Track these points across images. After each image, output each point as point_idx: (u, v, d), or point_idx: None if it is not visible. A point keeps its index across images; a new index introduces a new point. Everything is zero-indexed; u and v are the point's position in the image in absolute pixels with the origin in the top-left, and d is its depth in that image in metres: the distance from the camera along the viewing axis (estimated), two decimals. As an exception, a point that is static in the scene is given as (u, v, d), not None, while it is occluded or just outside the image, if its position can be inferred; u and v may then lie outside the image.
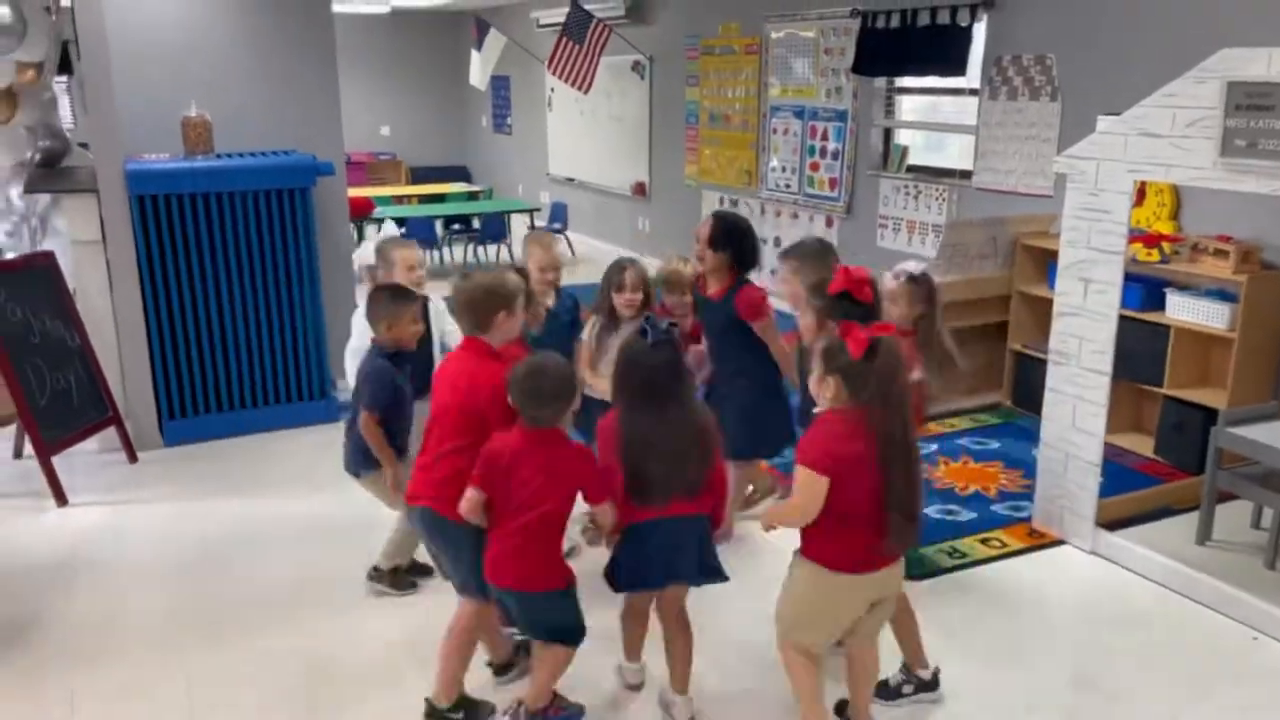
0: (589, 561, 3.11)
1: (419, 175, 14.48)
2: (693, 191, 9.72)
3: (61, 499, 4.67)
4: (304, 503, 4.56)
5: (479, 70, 11.24)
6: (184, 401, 5.36)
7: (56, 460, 4.73)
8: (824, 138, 7.93)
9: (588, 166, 11.71)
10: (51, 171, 5.83)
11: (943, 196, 6.93)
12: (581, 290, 4.52)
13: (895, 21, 6.92)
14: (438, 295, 4.07)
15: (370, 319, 3.60)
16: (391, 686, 3.24)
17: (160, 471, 5.05)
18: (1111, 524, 4.20)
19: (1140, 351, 4.85)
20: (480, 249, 10.72)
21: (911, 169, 7.40)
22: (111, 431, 5.17)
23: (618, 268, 4.06)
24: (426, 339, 3.98)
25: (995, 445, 5.33)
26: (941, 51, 6.60)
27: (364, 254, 4.39)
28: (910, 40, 6.83)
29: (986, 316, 5.74)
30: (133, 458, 5.17)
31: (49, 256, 5.21)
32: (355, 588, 3.84)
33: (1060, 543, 4.22)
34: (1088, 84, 5.75)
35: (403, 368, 3.61)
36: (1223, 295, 4.72)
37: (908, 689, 3.16)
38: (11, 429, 5.12)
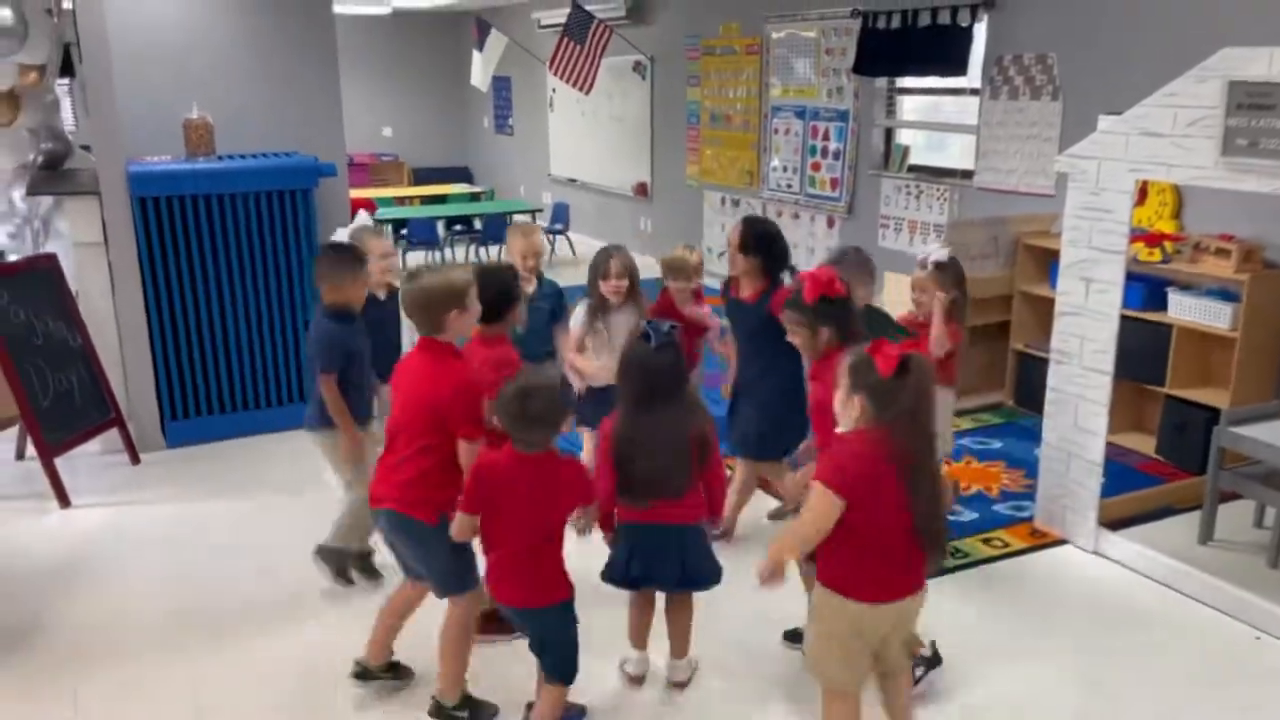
0: (591, 558, 3.10)
1: (421, 176, 14.49)
2: (694, 192, 9.72)
3: (64, 500, 4.68)
4: (307, 504, 4.56)
5: (480, 71, 11.25)
6: (186, 403, 5.36)
7: (59, 462, 4.74)
8: (825, 138, 7.93)
9: (589, 167, 11.71)
10: (54, 174, 5.85)
11: (944, 196, 6.93)
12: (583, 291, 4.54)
13: (896, 21, 6.92)
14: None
15: (318, 281, 3.67)
16: (395, 687, 3.24)
17: (162, 473, 5.05)
18: (1113, 524, 4.19)
19: (1142, 351, 4.85)
20: (482, 250, 10.73)
21: (913, 169, 7.40)
22: (114, 433, 5.18)
23: (604, 255, 4.26)
24: (396, 327, 4.20)
25: (997, 445, 5.32)
26: (942, 51, 6.60)
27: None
28: (911, 40, 6.83)
29: (988, 316, 5.74)
30: (135, 459, 5.17)
31: (51, 258, 5.22)
32: (358, 588, 3.84)
33: (1062, 542, 4.22)
34: (1089, 83, 5.75)
35: (353, 326, 3.65)
36: (1224, 295, 4.72)
37: (919, 670, 3.12)
38: (14, 430, 5.12)
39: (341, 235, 4.37)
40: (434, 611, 3.08)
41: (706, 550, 3.10)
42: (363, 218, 4.53)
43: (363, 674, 3.20)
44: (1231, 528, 4.21)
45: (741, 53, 8.78)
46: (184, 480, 4.96)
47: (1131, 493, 4.51)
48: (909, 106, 7.57)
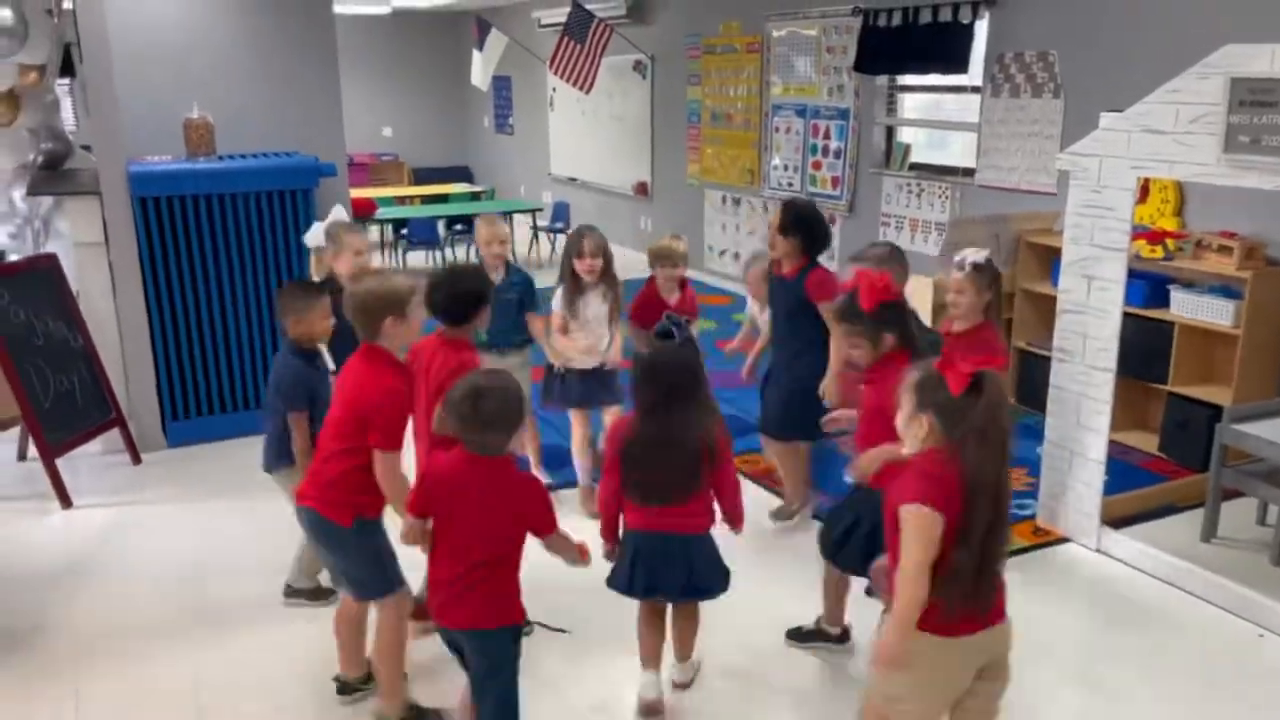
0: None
1: (421, 176, 14.49)
2: (695, 191, 9.71)
3: (65, 501, 4.67)
4: (308, 504, 4.56)
5: (480, 70, 11.24)
6: (187, 403, 5.36)
7: (60, 462, 4.73)
8: (826, 136, 7.92)
9: (590, 166, 11.71)
10: (54, 174, 5.84)
11: (945, 194, 6.92)
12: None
13: (897, 19, 6.91)
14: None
15: (279, 314, 3.57)
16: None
17: (164, 473, 5.05)
18: (1116, 521, 4.19)
19: (1144, 348, 4.84)
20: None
21: (914, 167, 7.39)
22: (115, 433, 5.18)
23: (577, 235, 4.39)
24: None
25: (999, 443, 5.31)
26: (943, 49, 6.59)
27: (314, 237, 4.41)
28: (912, 38, 6.82)
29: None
30: (136, 459, 5.17)
31: (52, 259, 5.22)
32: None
33: (1065, 540, 4.21)
34: (1090, 80, 5.74)
35: (315, 363, 3.56)
36: (1227, 292, 4.71)
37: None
38: (15, 431, 5.12)
39: (317, 230, 4.37)
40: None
41: (714, 558, 3.02)
42: (337, 212, 4.48)
43: (343, 688, 3.17)
44: (1234, 525, 4.20)
45: (742, 51, 8.77)
46: (185, 480, 4.96)
47: (1134, 491, 4.50)
48: (910, 104, 7.57)
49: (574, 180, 12.08)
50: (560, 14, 9.89)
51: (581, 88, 9.61)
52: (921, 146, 7.47)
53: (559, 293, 4.42)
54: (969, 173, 6.74)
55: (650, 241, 4.78)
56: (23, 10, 5.44)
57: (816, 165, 8.07)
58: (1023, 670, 3.33)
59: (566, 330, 4.39)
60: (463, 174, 14.88)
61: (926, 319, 5.13)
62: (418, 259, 10.45)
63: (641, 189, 10.63)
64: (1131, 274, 4.05)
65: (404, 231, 10.32)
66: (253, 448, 5.32)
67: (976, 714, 2.43)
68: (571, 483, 4.68)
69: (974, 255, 3.73)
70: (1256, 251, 4.71)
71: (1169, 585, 3.86)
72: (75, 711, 3.19)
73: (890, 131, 7.59)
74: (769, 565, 3.95)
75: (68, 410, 4.91)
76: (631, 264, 9.46)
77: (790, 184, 8.38)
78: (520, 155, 13.61)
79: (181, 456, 5.25)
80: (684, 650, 3.20)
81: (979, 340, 3.67)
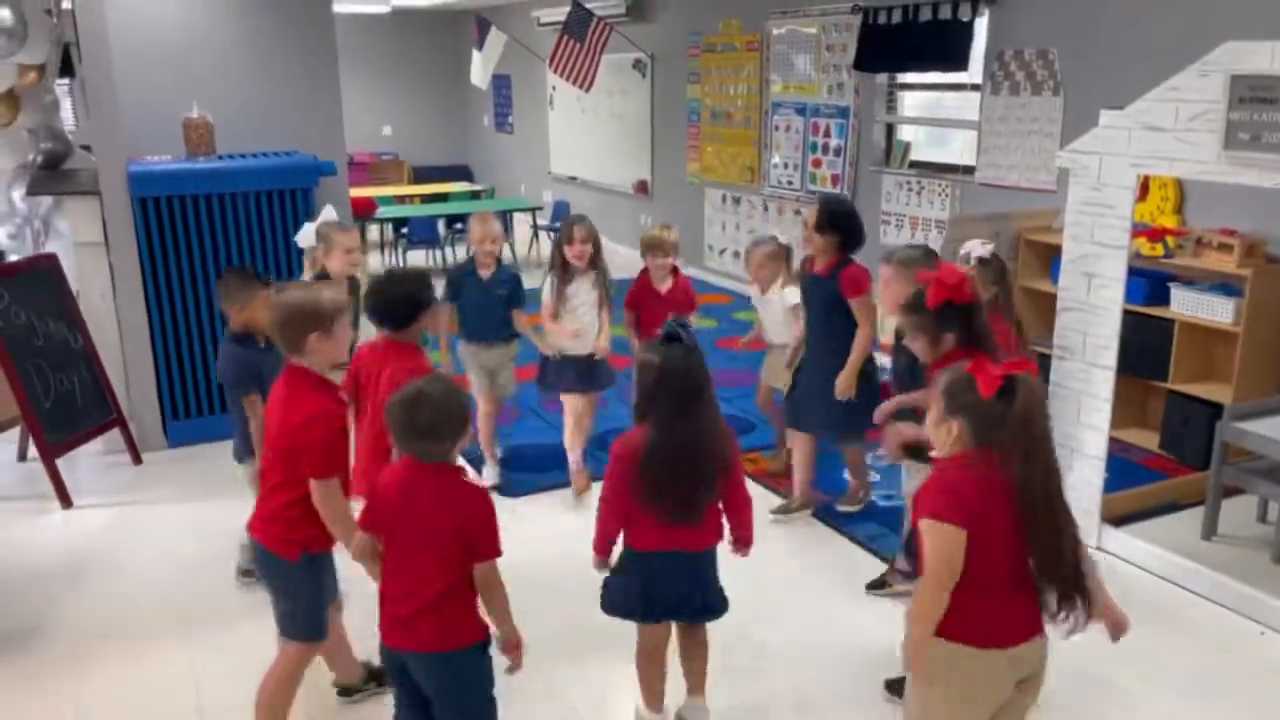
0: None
1: (421, 175, 14.48)
2: (695, 189, 9.71)
3: (66, 501, 4.68)
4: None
5: (480, 69, 11.23)
6: (188, 402, 5.36)
7: (61, 462, 4.74)
8: (826, 134, 7.92)
9: (590, 165, 11.70)
10: (54, 174, 5.84)
11: (945, 192, 6.92)
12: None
13: (897, 17, 6.91)
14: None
15: (221, 303, 3.63)
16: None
17: (164, 473, 5.05)
18: (1117, 519, 4.19)
19: (1144, 346, 4.84)
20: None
21: (914, 165, 7.38)
22: (115, 433, 5.18)
23: (567, 223, 4.53)
24: (355, 320, 4.24)
25: (1000, 441, 5.30)
26: (943, 47, 6.58)
27: (305, 236, 4.46)
28: (912, 36, 6.81)
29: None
30: (137, 459, 5.17)
31: (52, 259, 5.22)
32: (360, 587, 3.83)
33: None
34: (1090, 78, 5.74)
35: (261, 352, 3.57)
36: (1227, 289, 4.71)
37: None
38: (16, 431, 5.12)
39: (308, 229, 4.43)
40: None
41: (716, 576, 2.86)
42: (328, 211, 4.55)
43: (345, 691, 3.17)
44: (1235, 523, 4.20)
45: (742, 49, 8.76)
46: (186, 480, 4.96)
47: (1134, 488, 4.50)
48: (910, 102, 7.56)
49: (574, 179, 12.08)
50: (560, 12, 9.88)
51: (581, 86, 9.61)
52: (921, 144, 7.47)
53: (549, 280, 4.54)
54: (969, 170, 6.73)
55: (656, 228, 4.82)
56: (22, 10, 5.44)
57: (816, 163, 8.06)
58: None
59: (556, 317, 4.50)
60: (463, 173, 14.88)
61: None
62: (418, 258, 10.45)
63: (641, 188, 10.63)
64: (1131, 271, 4.04)
65: (404, 231, 10.32)
66: (253, 447, 5.37)
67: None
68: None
69: (979, 249, 3.71)
70: (1257, 249, 4.70)
71: (1169, 583, 3.86)
72: (75, 711, 3.19)
73: (890, 129, 7.59)
74: (781, 565, 3.95)
75: (68, 410, 4.91)
76: (632, 262, 9.47)
77: (790, 182, 8.38)
78: (520, 154, 13.61)
79: (182, 456, 5.25)
80: (699, 680, 2.98)
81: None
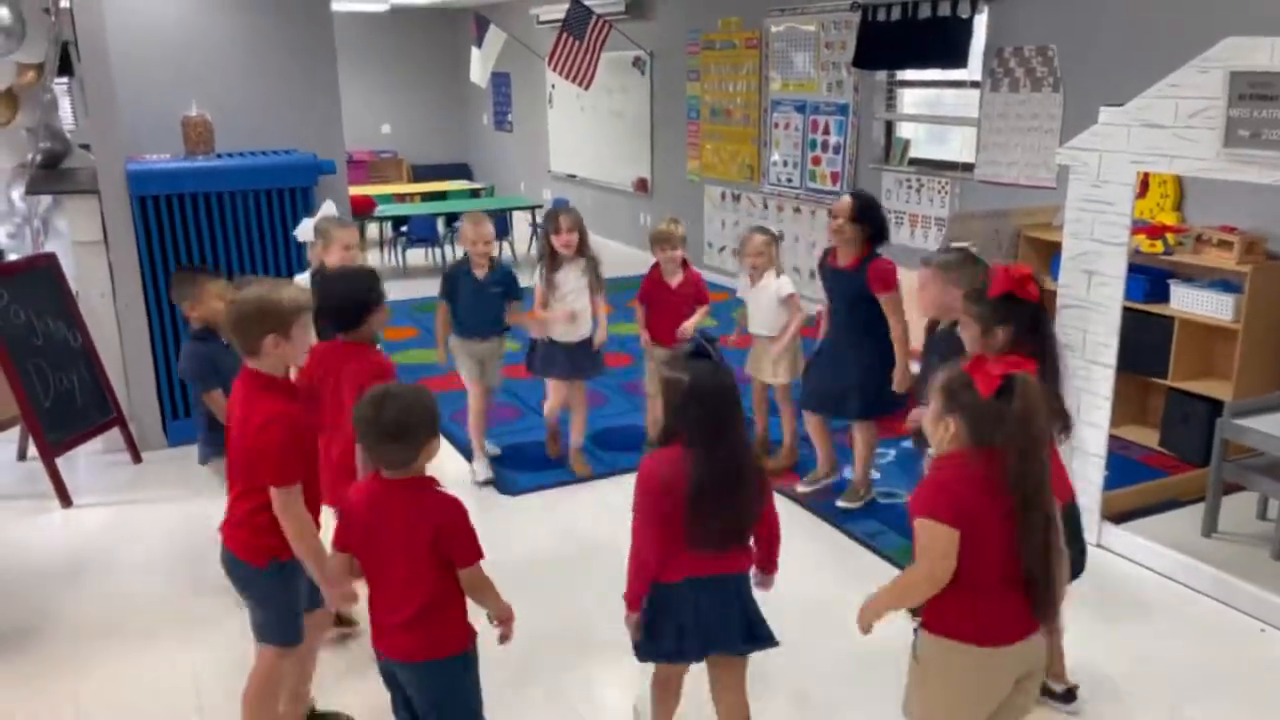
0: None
1: (420, 173, 14.47)
2: (695, 187, 9.70)
3: (66, 500, 4.67)
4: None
5: (479, 67, 11.22)
6: (187, 401, 5.34)
7: (60, 461, 4.74)
8: (825, 131, 7.91)
9: (589, 163, 11.70)
10: (53, 173, 5.84)
11: (945, 189, 6.92)
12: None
13: (896, 14, 6.90)
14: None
15: (176, 301, 3.64)
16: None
17: (164, 472, 5.05)
18: (1117, 517, 4.18)
19: (1144, 343, 4.84)
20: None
21: (913, 162, 7.38)
22: (115, 432, 5.17)
23: (554, 213, 4.70)
24: None
25: (999, 438, 5.30)
26: (942, 44, 6.58)
27: (304, 231, 4.47)
28: (911, 33, 6.81)
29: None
30: (137, 458, 5.17)
31: (51, 258, 5.22)
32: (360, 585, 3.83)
33: (1065, 536, 4.21)
34: (1090, 75, 5.73)
35: (221, 347, 3.53)
36: (1227, 286, 4.70)
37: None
38: (16, 430, 5.12)
39: (307, 225, 4.42)
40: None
41: (756, 602, 2.63)
42: (328, 207, 4.56)
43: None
44: (1235, 520, 4.20)
45: (741, 47, 8.75)
46: (186, 479, 4.94)
47: (1134, 485, 4.50)
48: (909, 99, 7.55)
49: (573, 177, 12.07)
50: (559, 10, 9.87)
51: (581, 84, 9.60)
52: (921, 142, 7.46)
53: (538, 269, 4.72)
54: (968, 168, 6.73)
55: (649, 237, 4.88)
56: (20, 9, 5.44)
57: (816, 161, 8.06)
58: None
59: (546, 304, 4.63)
60: (462, 171, 14.87)
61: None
62: (417, 256, 10.44)
63: (641, 185, 10.62)
64: (1131, 269, 4.04)
65: (403, 229, 10.31)
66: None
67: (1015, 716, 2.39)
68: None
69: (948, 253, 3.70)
70: (1256, 246, 4.70)
71: (1169, 580, 3.86)
72: (75, 710, 3.19)
73: (890, 126, 7.58)
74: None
75: (67, 409, 4.91)
76: (631, 260, 9.47)
77: (790, 180, 8.37)
78: (519, 152, 13.60)
79: (182, 455, 5.23)
80: None
81: None
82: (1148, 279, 4.91)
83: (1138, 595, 3.80)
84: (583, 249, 4.66)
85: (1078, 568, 2.91)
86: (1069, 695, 3.11)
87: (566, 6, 9.46)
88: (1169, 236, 4.95)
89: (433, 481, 2.37)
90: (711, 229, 9.48)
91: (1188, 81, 3.53)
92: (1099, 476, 4.07)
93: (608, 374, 5.25)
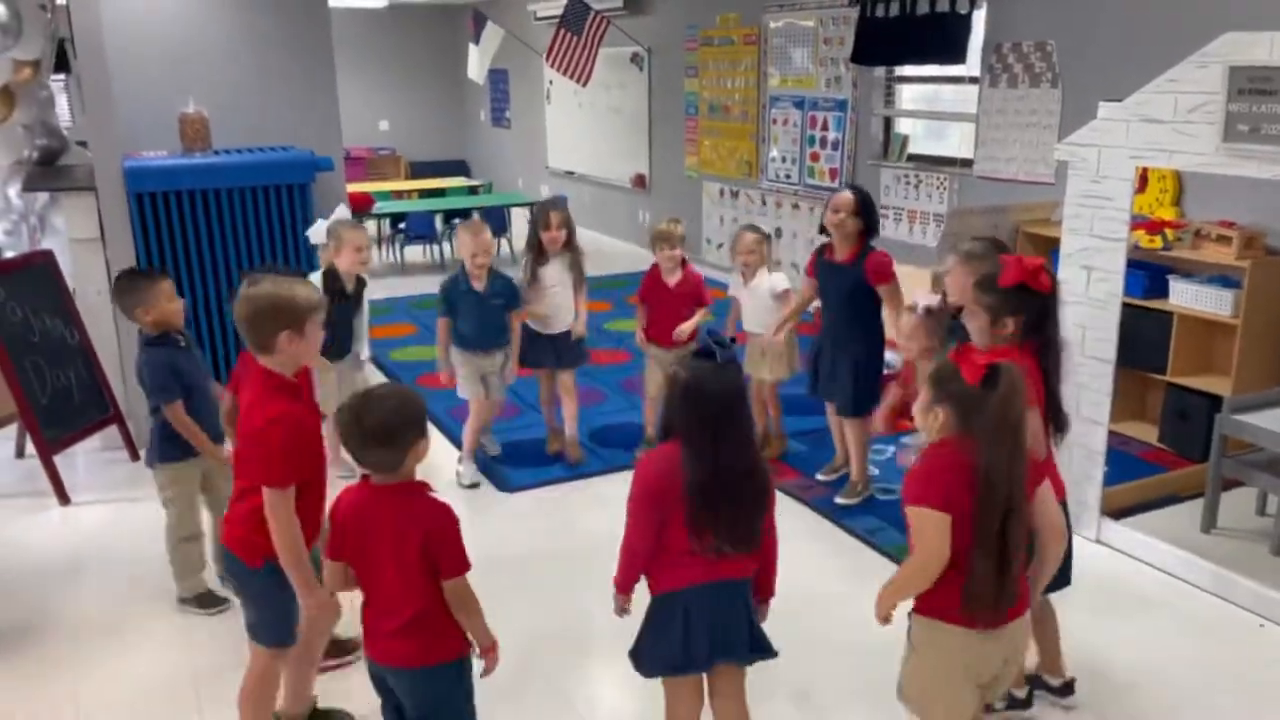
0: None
1: (418, 170, 14.45)
2: (693, 183, 9.70)
3: (64, 498, 4.67)
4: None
5: (477, 64, 11.20)
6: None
7: (58, 459, 4.73)
8: (824, 127, 7.91)
9: (587, 159, 11.69)
10: (49, 169, 5.83)
11: (944, 185, 6.91)
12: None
13: (894, 10, 6.89)
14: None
15: (125, 311, 3.50)
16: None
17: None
18: (1116, 512, 4.18)
19: (1143, 339, 4.84)
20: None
21: (912, 158, 7.37)
22: (113, 430, 5.16)
23: (543, 208, 4.77)
24: (359, 318, 4.54)
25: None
26: (941, 39, 6.57)
27: (317, 234, 4.51)
28: (909, 29, 6.80)
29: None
30: (134, 456, 5.15)
31: (48, 255, 5.20)
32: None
33: (1065, 531, 4.21)
34: (1088, 70, 5.72)
35: (181, 352, 3.49)
36: (1226, 281, 4.70)
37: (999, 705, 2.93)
38: (13, 428, 5.11)
39: (320, 228, 4.47)
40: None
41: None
42: (341, 210, 4.60)
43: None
44: (1234, 515, 4.20)
45: (739, 43, 8.74)
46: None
47: (1134, 481, 4.49)
48: (908, 95, 7.55)
49: (571, 173, 12.07)
50: (557, 6, 9.86)
51: (578, 80, 9.59)
52: (920, 137, 7.45)
53: (524, 261, 4.84)
54: (967, 164, 6.72)
55: (647, 234, 4.92)
56: (17, 5, 5.42)
57: (814, 157, 8.05)
58: (1024, 660, 3.33)
59: (531, 301, 4.75)
60: (460, 168, 14.85)
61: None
62: (415, 253, 10.43)
63: (639, 181, 10.61)
64: (1130, 264, 4.04)
65: (401, 226, 10.30)
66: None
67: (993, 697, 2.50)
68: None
69: (928, 300, 3.61)
70: (1256, 241, 4.70)
71: (1169, 576, 3.86)
72: (75, 709, 3.18)
73: (888, 122, 7.57)
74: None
75: (65, 407, 4.90)
76: (630, 256, 9.47)
77: (788, 176, 8.37)
78: (517, 148, 13.58)
79: (180, 453, 5.24)
80: None
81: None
82: (1147, 274, 4.91)
83: (1137, 591, 3.80)
84: (569, 244, 4.75)
85: (1062, 579, 2.90)
86: (1066, 689, 3.11)
87: (564, 2, 9.45)
88: (1168, 232, 4.95)
89: (424, 486, 2.34)
90: (710, 225, 9.47)
91: (1187, 76, 3.52)
92: (1099, 472, 4.07)
93: (607, 371, 5.25)
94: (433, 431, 3.58)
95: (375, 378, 5.39)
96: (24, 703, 3.22)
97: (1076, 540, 4.13)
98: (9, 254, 5.79)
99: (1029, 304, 2.77)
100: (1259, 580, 3.64)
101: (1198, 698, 3.17)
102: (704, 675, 2.57)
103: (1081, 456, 4.10)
